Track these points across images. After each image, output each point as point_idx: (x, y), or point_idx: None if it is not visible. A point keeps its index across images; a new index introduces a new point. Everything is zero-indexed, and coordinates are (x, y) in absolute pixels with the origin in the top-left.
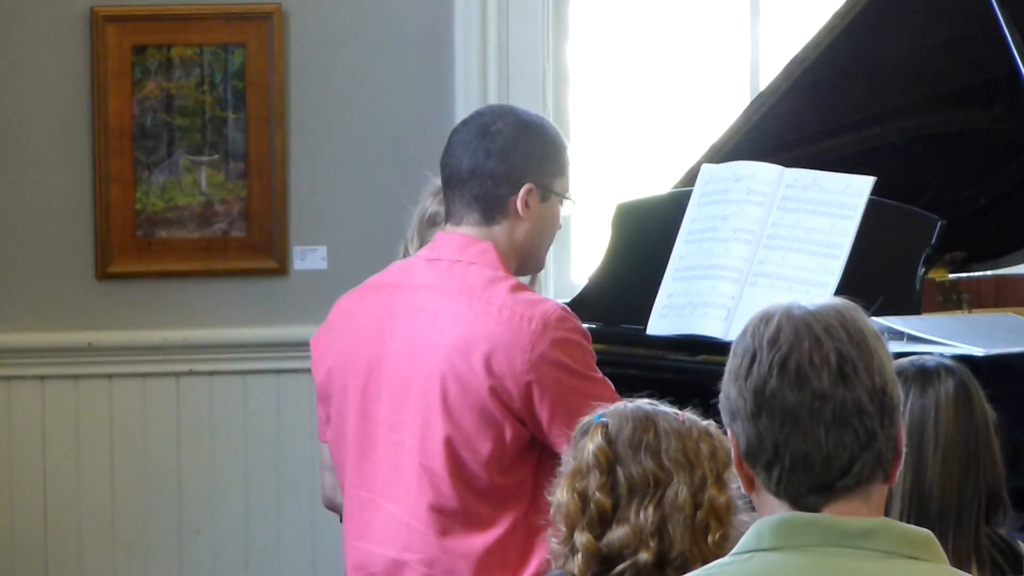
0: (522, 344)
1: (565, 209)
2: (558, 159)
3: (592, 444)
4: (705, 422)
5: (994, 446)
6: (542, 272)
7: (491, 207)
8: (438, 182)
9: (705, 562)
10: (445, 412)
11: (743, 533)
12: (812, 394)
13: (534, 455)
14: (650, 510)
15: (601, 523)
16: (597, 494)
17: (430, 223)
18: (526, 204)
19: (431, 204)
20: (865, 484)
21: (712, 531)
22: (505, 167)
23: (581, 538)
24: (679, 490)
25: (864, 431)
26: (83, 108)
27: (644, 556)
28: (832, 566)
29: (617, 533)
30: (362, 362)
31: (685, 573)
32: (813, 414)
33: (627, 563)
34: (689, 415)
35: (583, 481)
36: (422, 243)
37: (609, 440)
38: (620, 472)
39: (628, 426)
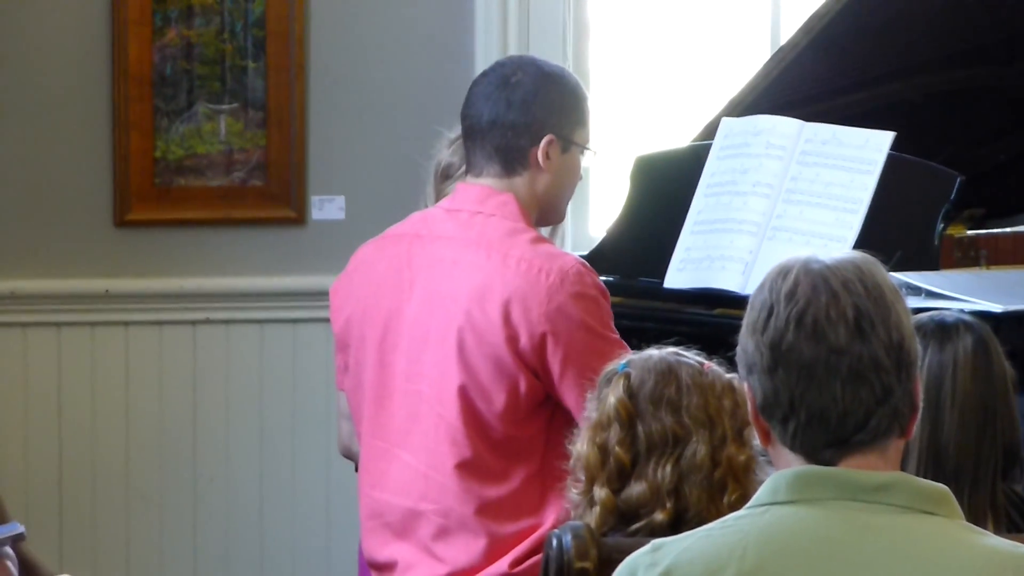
0: (539, 296)
1: (586, 160)
2: (579, 110)
3: (613, 397)
4: (729, 375)
5: (1012, 403)
6: (561, 224)
7: (512, 158)
8: (451, 135)
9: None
10: (461, 362)
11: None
12: (829, 348)
13: (548, 409)
14: (668, 468)
15: (620, 477)
16: (617, 448)
17: (444, 176)
18: (547, 155)
19: (445, 156)
20: (881, 439)
21: (729, 491)
22: (526, 118)
23: (600, 492)
24: (698, 448)
25: (880, 386)
26: (103, 56)
27: (660, 516)
28: (847, 520)
29: (635, 489)
30: (381, 311)
31: None
32: (829, 368)
33: (643, 523)
34: (714, 367)
35: (604, 433)
36: (438, 197)
37: (631, 393)
38: (640, 427)
39: (651, 379)
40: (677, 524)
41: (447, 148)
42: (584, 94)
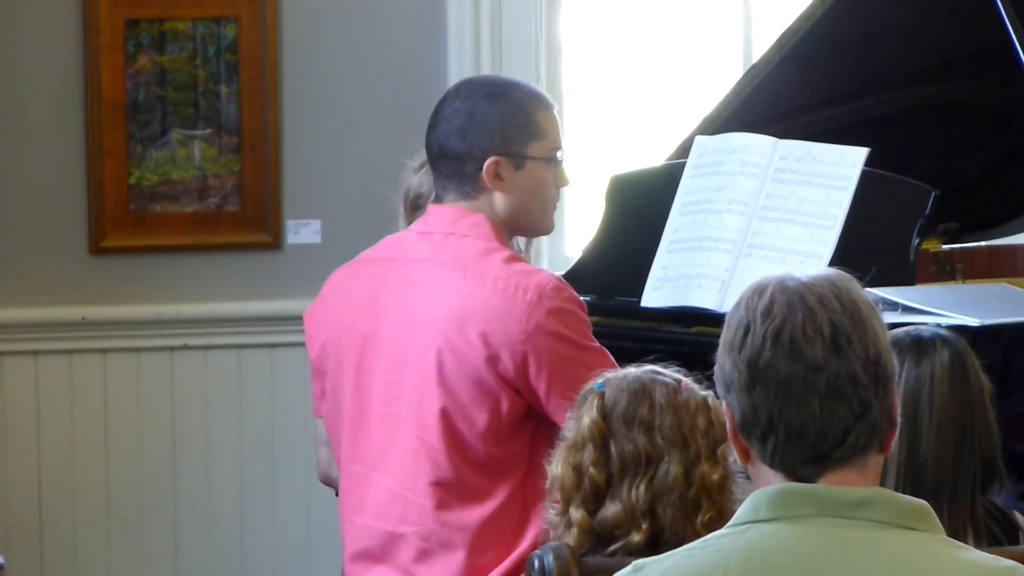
0: (517, 315)
1: (569, 168)
2: (529, 124)
3: (587, 417)
4: (704, 393)
5: (989, 416)
6: (536, 241)
7: (463, 184)
8: (414, 163)
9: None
10: (441, 384)
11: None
12: (806, 365)
13: (530, 426)
14: (641, 488)
15: (595, 498)
16: (591, 469)
17: (415, 207)
18: (498, 176)
19: (414, 185)
20: (860, 454)
21: (704, 510)
22: (464, 145)
23: (576, 514)
24: (671, 468)
25: (858, 401)
26: (76, 83)
27: (637, 537)
28: (829, 536)
29: (610, 510)
30: (356, 336)
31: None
32: (807, 385)
33: (619, 544)
34: (690, 385)
35: (578, 454)
36: (408, 223)
37: (604, 413)
38: (613, 448)
39: (624, 399)
40: (654, 544)
41: (414, 176)
42: (537, 106)
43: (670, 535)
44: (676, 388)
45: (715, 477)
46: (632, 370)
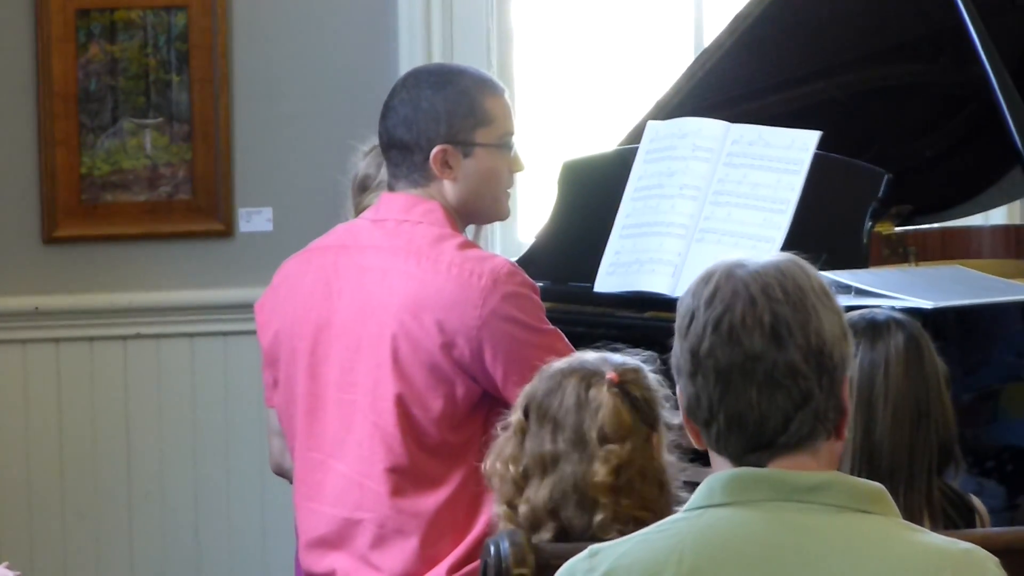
0: (472, 300)
1: (522, 151)
2: (476, 111)
3: (514, 412)
4: (619, 386)
5: (945, 399)
6: (487, 228)
7: (413, 173)
8: (365, 147)
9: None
10: (396, 370)
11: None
12: (744, 355)
13: (483, 411)
14: (545, 490)
15: (516, 494)
16: (509, 465)
17: (362, 188)
18: (446, 164)
19: (361, 167)
20: (807, 441)
21: (599, 510)
22: (410, 134)
23: (499, 509)
24: (568, 468)
25: (798, 391)
26: (27, 72)
27: (546, 535)
28: (783, 521)
29: (523, 508)
30: (309, 324)
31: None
32: (745, 374)
33: (534, 540)
34: (613, 373)
35: (506, 448)
36: (357, 210)
37: (527, 407)
38: (528, 444)
39: (541, 393)
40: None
41: (363, 160)
42: (485, 92)
43: (575, 536)
44: (591, 382)
45: (599, 478)
46: (567, 358)
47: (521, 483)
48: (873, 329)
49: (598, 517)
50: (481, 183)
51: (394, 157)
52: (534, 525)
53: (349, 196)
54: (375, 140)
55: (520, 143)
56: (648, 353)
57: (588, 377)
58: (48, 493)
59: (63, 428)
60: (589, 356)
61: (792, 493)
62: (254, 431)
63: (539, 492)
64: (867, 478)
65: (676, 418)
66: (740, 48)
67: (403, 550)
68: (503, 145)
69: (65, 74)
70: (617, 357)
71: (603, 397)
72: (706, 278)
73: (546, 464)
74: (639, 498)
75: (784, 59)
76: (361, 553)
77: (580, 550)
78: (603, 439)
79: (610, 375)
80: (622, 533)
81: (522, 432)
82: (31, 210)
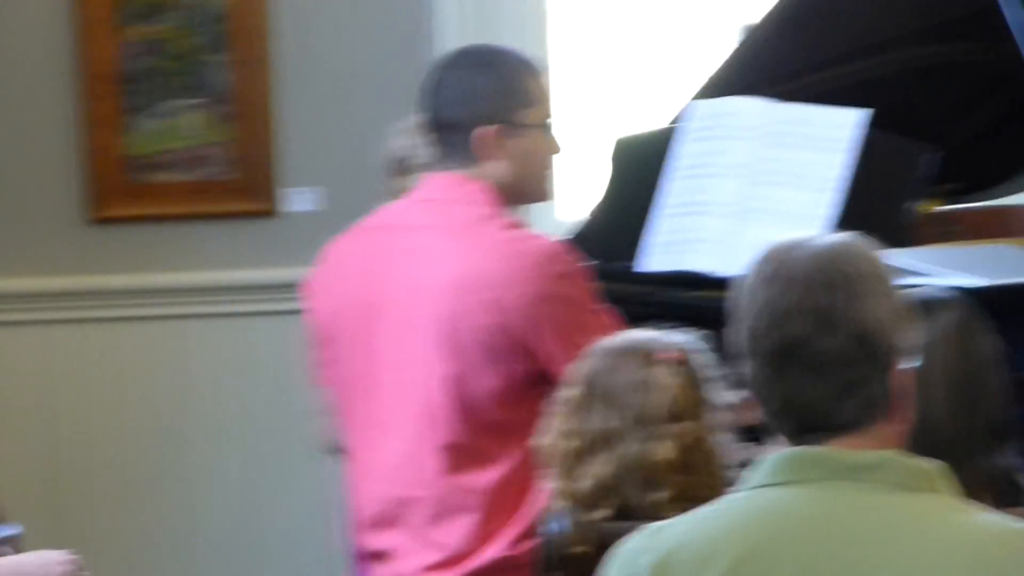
0: (521, 279)
1: (560, 133)
2: (519, 92)
3: (571, 388)
4: (683, 365)
5: (996, 378)
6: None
7: (459, 154)
8: (398, 127)
9: (655, 518)
10: (449, 350)
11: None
12: (792, 339)
13: (534, 389)
14: (610, 466)
15: (576, 469)
16: (569, 440)
17: (398, 169)
18: (492, 145)
19: (397, 149)
20: (860, 425)
21: (661, 488)
22: (458, 115)
23: (558, 483)
24: (632, 446)
25: (845, 377)
26: (67, 55)
27: (605, 512)
28: (839, 499)
29: (586, 483)
30: (360, 304)
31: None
32: (793, 358)
33: (594, 515)
34: (676, 356)
35: (563, 424)
36: (396, 192)
37: (585, 383)
38: (588, 420)
39: (601, 370)
40: (623, 520)
41: (398, 140)
42: (527, 73)
43: (635, 512)
44: (653, 360)
45: (667, 456)
46: (622, 336)
47: (578, 460)
48: (926, 307)
49: (660, 495)
50: (527, 163)
51: (440, 138)
52: (593, 502)
53: (387, 177)
54: (410, 120)
55: (558, 123)
56: (699, 332)
57: (648, 355)
58: (103, 476)
59: (113, 410)
60: (643, 335)
61: (848, 472)
62: (304, 410)
63: (600, 468)
64: (922, 456)
65: (731, 398)
66: (784, 27)
67: (463, 525)
68: (545, 126)
69: (105, 56)
70: (672, 336)
71: (667, 375)
72: (765, 258)
73: (608, 441)
74: (700, 476)
75: (829, 38)
76: (418, 530)
77: (638, 528)
78: (668, 417)
79: (673, 354)
80: (682, 511)
81: (579, 409)
82: (76, 191)
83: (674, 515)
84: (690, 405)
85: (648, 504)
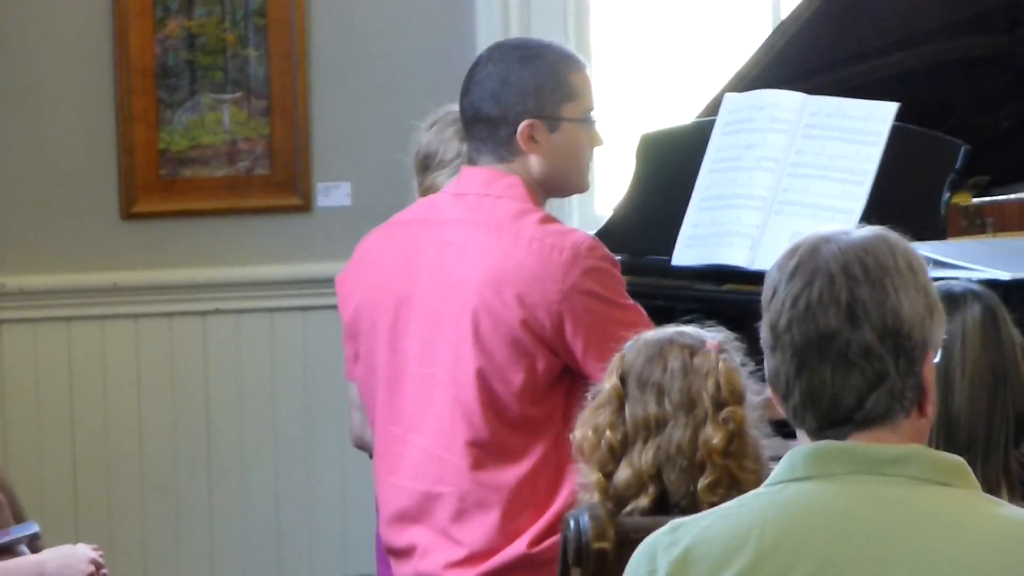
0: (553, 275)
1: (602, 128)
2: (562, 86)
3: (608, 380)
4: (723, 354)
5: (1022, 370)
6: (564, 201)
7: (498, 148)
8: (425, 123)
9: (700, 507)
10: (477, 345)
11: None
12: (819, 332)
13: (564, 385)
14: (649, 453)
15: (611, 461)
16: (607, 431)
17: (424, 167)
18: (532, 139)
19: (423, 145)
20: (885, 419)
21: (707, 473)
22: (499, 109)
23: (593, 476)
24: (675, 432)
25: (873, 371)
26: (105, 49)
27: (644, 502)
28: (864, 493)
29: (622, 474)
30: (391, 298)
31: (686, 515)
32: (819, 352)
33: (629, 507)
34: (715, 346)
35: (598, 416)
36: (423, 189)
37: (623, 375)
38: (628, 410)
39: (640, 361)
40: (661, 509)
41: (423, 136)
42: (570, 67)
43: (676, 499)
44: (694, 350)
45: (715, 441)
46: (657, 330)
47: (619, 450)
48: (950, 300)
49: (705, 480)
50: (566, 157)
51: (479, 131)
52: (629, 493)
53: (413, 173)
54: (434, 114)
55: (599, 116)
56: (730, 328)
57: (688, 346)
58: (128, 469)
59: (142, 404)
60: (680, 328)
61: (873, 466)
62: (333, 405)
63: (643, 456)
64: (944, 450)
65: (763, 391)
66: (818, 19)
67: (484, 523)
68: (587, 120)
69: (143, 49)
70: (706, 331)
71: (713, 362)
72: (791, 252)
73: (650, 428)
74: (745, 462)
75: (861, 31)
76: (442, 527)
77: (660, 525)
78: (719, 403)
79: (712, 344)
80: (726, 496)
81: (619, 399)
82: (110, 186)
83: (717, 501)
84: (733, 391)
85: (692, 490)
